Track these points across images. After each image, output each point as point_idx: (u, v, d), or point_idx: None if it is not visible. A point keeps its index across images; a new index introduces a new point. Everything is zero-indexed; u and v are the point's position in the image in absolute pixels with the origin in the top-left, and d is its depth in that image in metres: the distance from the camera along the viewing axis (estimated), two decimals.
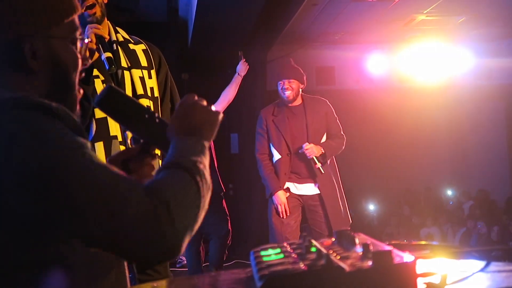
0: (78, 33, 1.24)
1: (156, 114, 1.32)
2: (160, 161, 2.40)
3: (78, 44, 1.24)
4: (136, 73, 2.51)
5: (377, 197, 9.59)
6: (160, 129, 1.31)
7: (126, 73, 2.47)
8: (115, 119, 1.32)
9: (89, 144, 1.10)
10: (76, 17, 1.23)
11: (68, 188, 1.04)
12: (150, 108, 1.32)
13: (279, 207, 4.68)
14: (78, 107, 1.27)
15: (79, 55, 1.24)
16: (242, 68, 5.48)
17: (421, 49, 9.35)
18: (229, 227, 5.39)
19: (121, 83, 2.43)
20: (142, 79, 2.52)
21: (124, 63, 2.48)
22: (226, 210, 5.43)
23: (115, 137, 2.38)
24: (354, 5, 7.55)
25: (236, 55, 5.67)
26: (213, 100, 7.12)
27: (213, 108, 1.31)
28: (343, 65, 9.72)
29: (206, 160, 1.23)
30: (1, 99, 1.09)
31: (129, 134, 1.39)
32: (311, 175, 4.72)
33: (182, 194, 1.12)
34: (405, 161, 10.19)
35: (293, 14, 7.33)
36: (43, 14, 1.17)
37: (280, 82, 4.78)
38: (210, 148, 1.27)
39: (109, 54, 2.39)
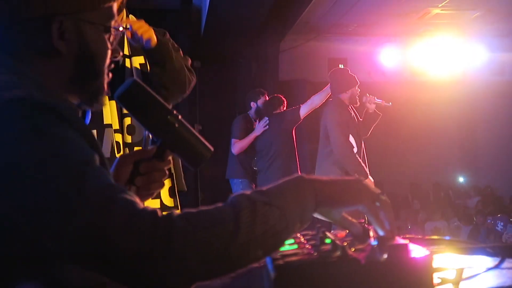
0: (113, 21, 1.15)
1: (180, 117, 1.19)
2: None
3: (112, 34, 1.15)
4: (137, 60, 2.52)
5: (386, 190, 9.53)
6: (181, 134, 1.19)
7: (127, 60, 2.49)
8: (134, 116, 1.23)
9: (96, 157, 0.98)
10: (114, 5, 1.15)
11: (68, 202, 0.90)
12: (174, 111, 1.22)
13: None
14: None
15: (109, 45, 1.15)
16: None
17: (435, 43, 9.28)
18: None
19: (120, 70, 2.44)
20: (143, 65, 2.52)
21: (126, 50, 2.50)
22: None
23: (109, 125, 2.37)
24: None
25: (248, 45, 5.65)
26: (224, 88, 7.11)
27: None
28: (356, 57, 9.65)
29: (292, 213, 0.99)
30: (6, 99, 0.96)
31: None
32: None
33: (201, 230, 0.91)
34: (415, 155, 10.15)
35: (307, 4, 7.29)
36: None
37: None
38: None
39: None
